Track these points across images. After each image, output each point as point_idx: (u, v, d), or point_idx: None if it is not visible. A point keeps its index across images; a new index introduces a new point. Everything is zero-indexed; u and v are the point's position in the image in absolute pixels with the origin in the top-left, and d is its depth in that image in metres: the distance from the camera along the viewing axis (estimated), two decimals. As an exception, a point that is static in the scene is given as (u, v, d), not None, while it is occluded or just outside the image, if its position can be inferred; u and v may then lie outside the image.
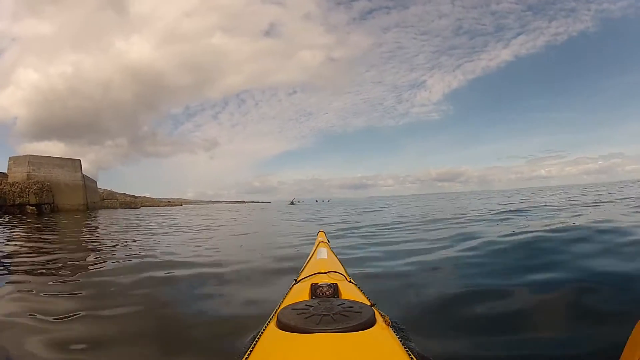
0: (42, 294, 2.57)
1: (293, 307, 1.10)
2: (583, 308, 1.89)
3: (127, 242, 6.17)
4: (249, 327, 1.74)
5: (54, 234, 8.17)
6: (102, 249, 5.32)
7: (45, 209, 26.61)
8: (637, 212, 5.80)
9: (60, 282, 3.00)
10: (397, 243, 4.49)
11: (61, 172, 30.46)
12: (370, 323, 0.97)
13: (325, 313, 1.01)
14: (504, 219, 6.23)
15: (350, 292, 1.33)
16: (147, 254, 4.58)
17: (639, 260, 2.55)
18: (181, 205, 65.15)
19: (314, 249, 2.18)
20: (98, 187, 39.46)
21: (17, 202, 25.44)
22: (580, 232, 3.62)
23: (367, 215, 11.73)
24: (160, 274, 3.22)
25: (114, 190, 49.23)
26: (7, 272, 3.43)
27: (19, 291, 2.68)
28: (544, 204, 9.48)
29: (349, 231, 6.44)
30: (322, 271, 1.57)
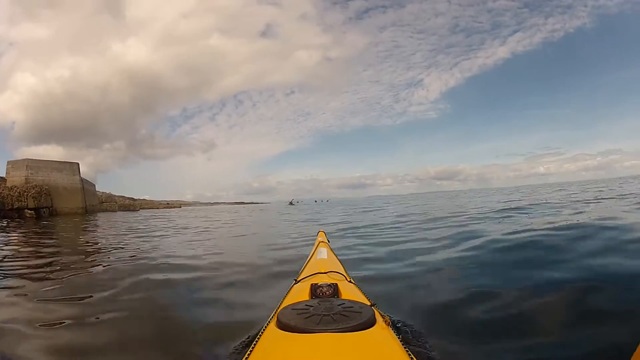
0: (37, 299, 2.55)
1: (293, 307, 1.10)
2: (591, 308, 1.85)
3: (125, 244, 6.14)
4: (248, 328, 1.73)
5: (52, 238, 8.14)
6: (99, 252, 5.30)
7: (44, 212, 26.53)
8: (639, 208, 5.76)
9: (57, 286, 2.97)
10: (398, 243, 4.46)
11: (59, 175, 30.39)
12: (370, 323, 0.97)
13: (325, 313, 1.01)
14: (505, 217, 6.15)
15: (350, 292, 1.33)
16: (145, 256, 4.55)
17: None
18: (180, 207, 65.03)
19: (314, 249, 2.18)
20: (97, 190, 39.36)
21: (15, 206, 25.35)
22: (585, 229, 3.56)
23: (366, 215, 11.73)
24: (159, 276, 3.20)
25: (113, 193, 49.14)
26: (2, 276, 3.40)
27: (15, 295, 2.66)
28: (545, 201, 9.45)
29: (349, 231, 6.43)
30: (322, 271, 1.57)
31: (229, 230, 8.95)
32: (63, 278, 3.27)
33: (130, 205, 45.79)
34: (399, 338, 0.96)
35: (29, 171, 28.28)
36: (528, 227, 4.33)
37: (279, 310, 1.10)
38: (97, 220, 17.35)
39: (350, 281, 1.50)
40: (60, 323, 2.02)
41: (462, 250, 3.51)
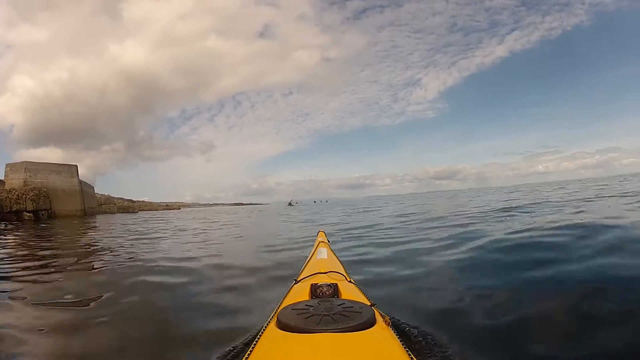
0: (33, 302, 2.54)
1: (293, 307, 1.09)
2: (597, 309, 1.80)
3: (123, 247, 6.12)
4: (247, 328, 1.73)
5: (50, 241, 8.11)
6: (97, 255, 5.27)
7: (43, 215, 26.47)
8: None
9: (53, 289, 2.96)
10: (398, 244, 4.41)
11: (58, 178, 30.34)
12: (370, 323, 0.97)
13: (325, 313, 1.01)
14: (507, 217, 6.04)
15: (350, 292, 1.33)
16: (143, 258, 4.55)
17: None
18: (179, 208, 64.94)
19: (313, 249, 2.18)
20: (95, 192, 39.28)
21: (14, 209, 25.30)
22: (588, 229, 3.49)
23: (366, 215, 11.72)
24: (157, 278, 3.19)
25: (112, 195, 49.02)
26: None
27: (10, 298, 2.65)
28: (546, 200, 9.41)
29: (348, 232, 6.39)
30: (322, 271, 1.57)
31: (228, 232, 8.93)
32: (60, 281, 3.27)
33: (129, 207, 45.71)
34: (399, 338, 0.96)
35: (28, 174, 28.23)
36: (530, 226, 4.26)
37: (279, 310, 1.10)
38: (95, 222, 17.31)
39: (350, 281, 1.50)
40: (56, 327, 2.01)
41: (464, 251, 3.47)
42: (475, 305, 2.03)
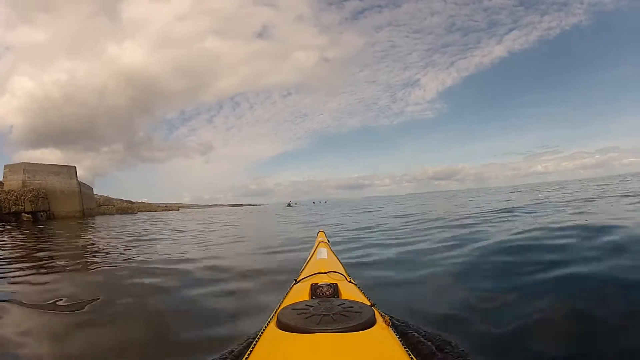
0: (29, 304, 2.52)
1: (293, 307, 1.09)
2: (601, 312, 1.76)
3: (120, 248, 6.10)
4: (246, 329, 1.73)
5: (47, 242, 8.08)
6: (94, 256, 5.25)
7: (41, 216, 26.41)
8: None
9: (48, 291, 2.93)
10: (399, 245, 4.39)
11: (57, 179, 30.28)
12: (370, 323, 0.97)
13: (325, 313, 1.00)
14: (509, 218, 5.94)
15: (350, 292, 1.33)
16: (140, 260, 4.52)
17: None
18: (178, 209, 64.90)
19: (313, 249, 2.18)
20: (94, 193, 39.22)
21: (12, 210, 25.24)
22: (593, 230, 3.43)
23: (365, 215, 11.72)
24: (153, 280, 3.17)
25: (111, 196, 48.94)
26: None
27: (4, 300, 2.62)
28: (547, 200, 9.37)
29: (347, 233, 6.40)
30: (322, 271, 1.57)
31: (227, 233, 8.92)
32: (54, 283, 3.24)
33: (128, 208, 45.63)
34: (399, 338, 0.96)
35: (26, 175, 28.17)
36: (533, 227, 4.20)
37: (278, 310, 1.10)
38: (94, 223, 17.27)
39: (350, 281, 1.50)
40: (49, 329, 2.00)
41: (465, 252, 3.43)
42: (477, 307, 2.02)
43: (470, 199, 17.51)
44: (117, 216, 31.11)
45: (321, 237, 2.58)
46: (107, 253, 5.52)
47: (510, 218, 5.82)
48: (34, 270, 3.96)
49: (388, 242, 4.77)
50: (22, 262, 4.85)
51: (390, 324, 1.04)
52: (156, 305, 2.47)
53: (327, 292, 1.28)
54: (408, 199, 36.52)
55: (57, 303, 2.52)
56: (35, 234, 10.97)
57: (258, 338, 0.96)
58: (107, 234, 10.08)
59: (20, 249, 6.88)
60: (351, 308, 1.05)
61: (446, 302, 2.18)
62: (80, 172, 33.27)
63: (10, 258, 5.26)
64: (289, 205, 50.30)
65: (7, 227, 15.66)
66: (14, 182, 27.67)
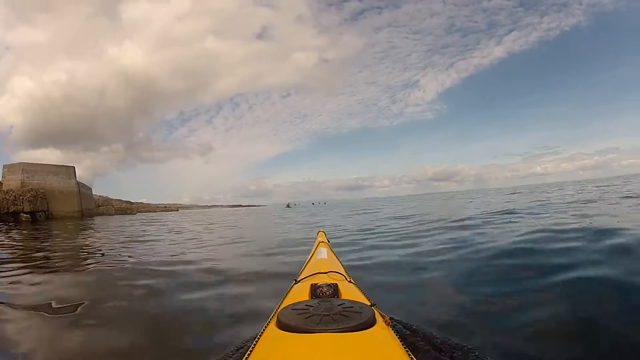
0: (16, 306, 2.49)
1: (293, 307, 1.09)
2: (605, 316, 1.73)
3: (118, 249, 6.08)
4: (246, 329, 1.72)
5: (44, 242, 8.06)
6: (91, 257, 5.24)
7: (40, 216, 26.36)
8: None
9: (44, 291, 2.92)
10: (399, 247, 4.35)
11: (55, 179, 30.24)
12: (370, 323, 0.96)
13: (325, 313, 1.00)
14: (510, 219, 5.86)
15: (350, 292, 1.32)
16: (137, 261, 4.51)
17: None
18: (177, 210, 64.87)
19: (313, 249, 2.17)
20: (94, 193, 39.20)
21: (11, 210, 25.20)
22: (597, 232, 3.39)
23: (365, 217, 11.73)
24: (149, 282, 3.14)
25: (110, 196, 48.92)
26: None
27: None
28: (548, 202, 9.35)
29: (347, 235, 6.39)
30: (322, 271, 1.56)
31: (225, 234, 8.91)
32: (50, 283, 3.22)
33: (127, 209, 45.60)
34: (399, 338, 0.95)
35: (25, 175, 28.13)
36: (536, 229, 4.15)
37: (278, 310, 1.09)
38: (92, 224, 17.25)
39: (350, 281, 1.49)
40: (43, 331, 1.99)
41: (467, 254, 3.39)
42: (478, 310, 2.01)
43: (470, 200, 17.50)
44: (116, 217, 31.07)
45: (321, 237, 2.58)
46: (104, 254, 5.50)
47: (512, 220, 5.76)
48: (29, 270, 3.94)
49: (388, 244, 4.74)
50: (18, 262, 4.83)
51: (390, 324, 1.04)
52: (150, 308, 2.44)
53: (327, 292, 1.28)
54: (408, 200, 36.53)
55: (51, 304, 2.50)
56: (33, 234, 10.95)
57: (258, 338, 0.95)
58: (104, 234, 10.06)
59: (17, 249, 6.85)
60: (351, 308, 1.05)
61: (447, 304, 2.17)
62: (79, 172, 33.34)
63: (6, 258, 5.23)
64: (288, 206, 50.34)
65: (5, 227, 15.62)
66: (13, 182, 27.62)
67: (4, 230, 12.72)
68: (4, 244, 7.73)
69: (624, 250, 2.69)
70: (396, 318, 1.69)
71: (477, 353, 1.49)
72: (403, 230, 6.05)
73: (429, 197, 41.41)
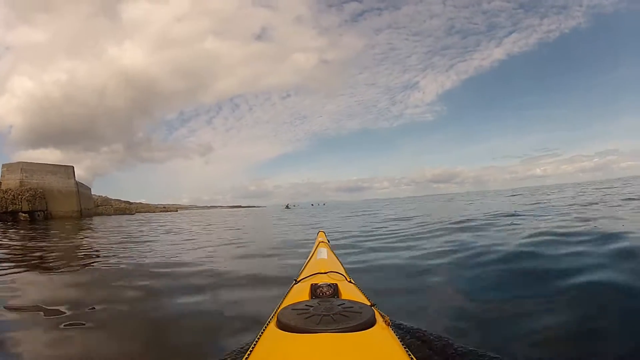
0: (20, 306, 2.48)
1: (293, 307, 1.08)
2: (608, 321, 1.71)
3: (115, 249, 6.06)
4: (245, 329, 1.71)
5: (42, 242, 8.03)
6: (89, 257, 5.21)
7: (39, 216, 26.32)
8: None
9: (40, 291, 2.91)
10: (399, 249, 4.33)
11: (54, 178, 30.20)
12: (370, 323, 0.96)
13: (325, 313, 1.00)
14: (512, 222, 5.77)
15: (350, 292, 1.32)
16: (135, 262, 4.49)
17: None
18: (176, 210, 64.79)
19: (313, 249, 2.16)
20: (93, 193, 39.16)
21: (9, 210, 25.15)
22: (600, 236, 3.34)
23: (364, 218, 11.72)
24: (149, 282, 3.13)
25: (109, 196, 48.88)
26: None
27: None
28: (548, 204, 9.32)
29: (347, 237, 6.37)
30: (322, 271, 1.56)
31: (225, 235, 8.90)
32: (46, 284, 3.22)
33: (126, 209, 45.55)
34: (399, 338, 0.95)
35: (24, 174, 28.09)
36: (538, 231, 4.11)
37: (279, 311, 1.09)
38: (91, 224, 17.22)
39: (350, 281, 1.49)
40: (37, 332, 1.97)
41: (467, 258, 3.35)
42: (478, 312, 2.00)
43: (470, 202, 17.48)
44: (115, 217, 31.01)
45: (321, 237, 2.57)
46: (102, 254, 5.48)
47: (514, 222, 5.71)
48: (25, 269, 3.93)
49: (388, 246, 4.72)
50: (15, 261, 4.80)
51: (390, 324, 1.03)
52: (147, 310, 2.42)
53: (327, 292, 1.27)
54: (407, 202, 36.53)
55: (46, 305, 2.48)
56: (31, 233, 10.92)
57: (258, 338, 0.95)
58: (103, 234, 10.04)
59: (14, 248, 6.82)
60: (351, 308, 1.04)
61: (448, 307, 2.16)
62: (79, 172, 33.36)
63: (2, 258, 5.21)
64: (287, 207, 50.36)
65: (3, 226, 15.58)
66: (12, 182, 27.58)
67: (2, 230, 12.68)
68: (1, 244, 7.70)
69: (630, 255, 2.64)
70: (397, 321, 1.68)
71: (478, 354, 1.49)
72: (402, 233, 6.02)
73: (429, 199, 41.39)
